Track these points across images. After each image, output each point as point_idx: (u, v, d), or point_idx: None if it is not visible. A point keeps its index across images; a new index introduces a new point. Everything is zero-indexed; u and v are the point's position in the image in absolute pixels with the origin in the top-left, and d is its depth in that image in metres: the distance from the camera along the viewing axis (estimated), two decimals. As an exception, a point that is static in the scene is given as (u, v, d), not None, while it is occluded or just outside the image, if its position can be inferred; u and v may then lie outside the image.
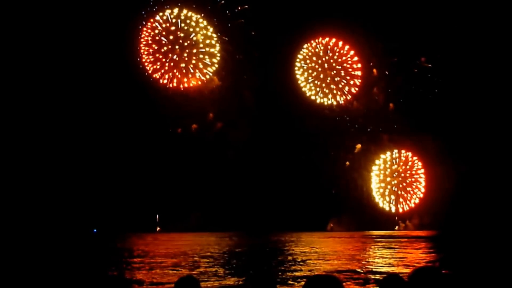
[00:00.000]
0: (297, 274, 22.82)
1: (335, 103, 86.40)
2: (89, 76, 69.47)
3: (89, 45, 69.91)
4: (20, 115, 65.49)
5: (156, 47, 79.75)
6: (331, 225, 75.76)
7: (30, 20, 66.32)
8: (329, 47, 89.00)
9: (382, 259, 30.94)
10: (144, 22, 79.57)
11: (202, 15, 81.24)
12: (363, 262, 28.83)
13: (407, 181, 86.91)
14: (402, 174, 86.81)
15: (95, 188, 67.02)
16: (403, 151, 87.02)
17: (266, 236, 56.54)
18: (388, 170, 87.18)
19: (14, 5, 64.82)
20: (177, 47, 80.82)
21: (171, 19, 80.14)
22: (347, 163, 78.99)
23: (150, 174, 73.63)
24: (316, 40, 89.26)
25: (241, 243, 47.12)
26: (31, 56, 66.98)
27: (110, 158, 69.37)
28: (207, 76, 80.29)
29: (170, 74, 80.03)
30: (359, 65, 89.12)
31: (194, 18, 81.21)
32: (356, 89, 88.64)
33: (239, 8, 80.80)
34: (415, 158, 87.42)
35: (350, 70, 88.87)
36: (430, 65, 78.07)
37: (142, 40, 79.31)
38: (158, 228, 72.80)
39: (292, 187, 72.03)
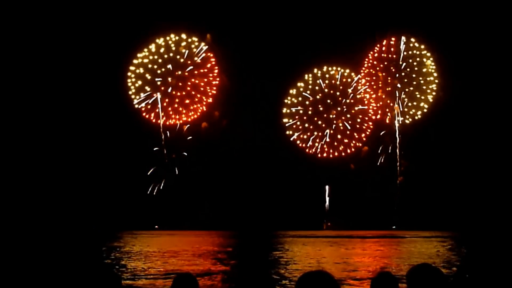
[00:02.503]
0: (288, 272, 22.88)
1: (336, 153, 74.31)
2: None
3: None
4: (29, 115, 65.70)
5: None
6: (328, 224, 75.62)
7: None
8: (327, 76, 72.71)
9: (378, 258, 30.98)
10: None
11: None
12: (358, 261, 28.89)
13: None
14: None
15: (93, 184, 66.84)
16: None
17: (260, 235, 56.42)
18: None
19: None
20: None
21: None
22: (352, 165, 76.76)
23: (148, 172, 73.76)
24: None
25: (234, 242, 47.11)
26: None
27: (110, 157, 69.29)
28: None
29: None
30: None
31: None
32: (368, 131, 73.52)
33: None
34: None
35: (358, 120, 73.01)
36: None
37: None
38: (156, 226, 72.61)
39: (291, 187, 71.70)
